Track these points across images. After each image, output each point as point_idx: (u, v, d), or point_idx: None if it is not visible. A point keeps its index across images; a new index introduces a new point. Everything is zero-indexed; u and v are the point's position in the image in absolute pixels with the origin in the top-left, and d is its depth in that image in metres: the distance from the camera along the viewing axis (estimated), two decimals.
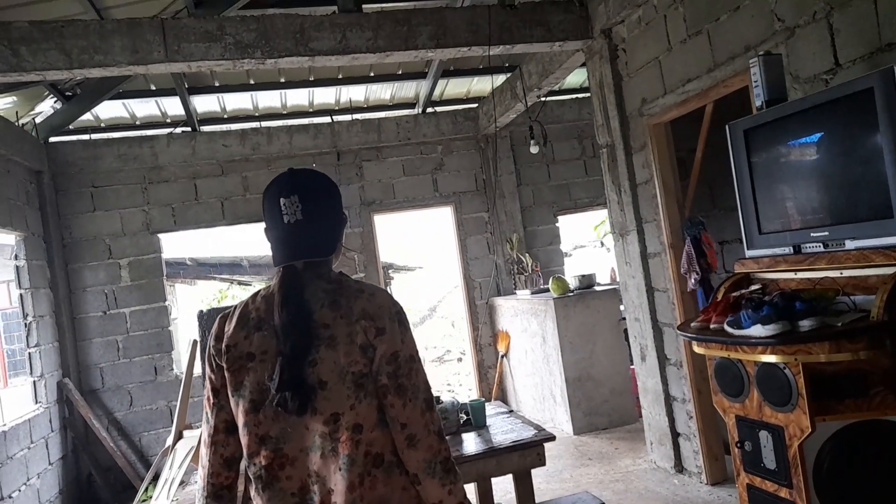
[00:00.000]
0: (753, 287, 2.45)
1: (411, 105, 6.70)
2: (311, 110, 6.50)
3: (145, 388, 5.93)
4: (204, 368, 1.45)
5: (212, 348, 1.40)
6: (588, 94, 4.66)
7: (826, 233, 2.15)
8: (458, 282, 7.10)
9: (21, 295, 5.23)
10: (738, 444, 2.31)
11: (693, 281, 3.69)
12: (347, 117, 6.55)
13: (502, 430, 2.88)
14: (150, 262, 6.05)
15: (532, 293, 5.92)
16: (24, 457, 4.69)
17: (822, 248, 2.17)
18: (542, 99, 6.08)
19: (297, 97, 6.21)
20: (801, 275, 2.28)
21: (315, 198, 1.40)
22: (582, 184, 6.99)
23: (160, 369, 5.98)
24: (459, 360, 10.87)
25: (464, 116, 6.76)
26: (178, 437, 2.57)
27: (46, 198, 5.63)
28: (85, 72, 3.74)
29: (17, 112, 5.30)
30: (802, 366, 1.97)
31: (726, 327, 2.19)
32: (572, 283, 5.59)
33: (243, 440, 1.36)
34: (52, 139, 5.78)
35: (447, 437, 2.83)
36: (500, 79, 6.29)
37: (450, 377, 9.81)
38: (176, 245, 7.01)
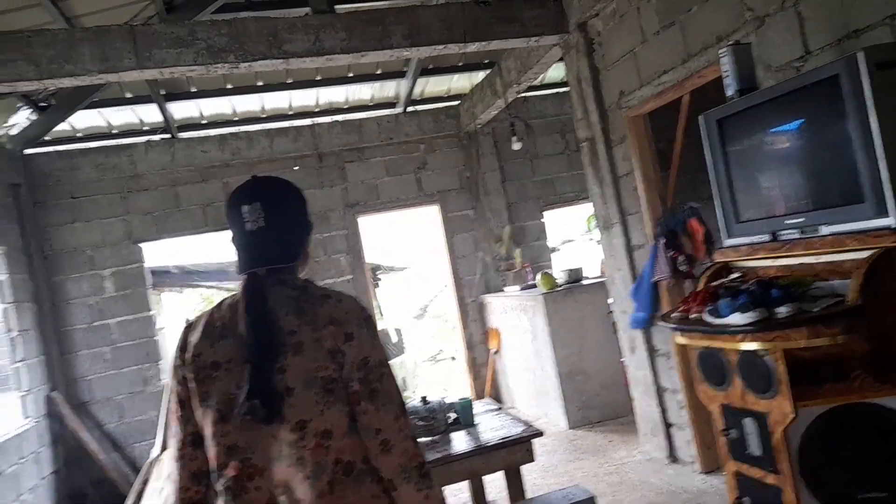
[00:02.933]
0: (733, 275, 2.45)
1: (392, 104, 6.67)
2: (290, 113, 6.46)
3: (135, 399, 5.88)
4: (170, 381, 1.42)
5: (177, 359, 1.38)
6: (569, 88, 4.65)
7: (802, 219, 2.15)
8: (447, 280, 7.09)
9: (5, 309, 5.17)
10: (724, 433, 2.31)
11: (666, 277, 3.70)
12: (328, 119, 6.52)
13: (491, 427, 2.87)
14: (134, 271, 6.00)
15: (521, 289, 5.92)
16: (15, 472, 4.63)
17: (798, 235, 2.17)
18: (523, 94, 6.08)
19: (276, 100, 6.16)
20: (779, 262, 2.29)
21: (278, 204, 1.41)
22: (567, 178, 6.99)
23: (149, 379, 5.93)
24: (453, 359, 10.85)
25: (445, 114, 6.74)
26: (164, 447, 2.54)
27: (24, 211, 5.56)
28: (56, 82, 3.68)
29: None
30: (782, 352, 1.97)
31: (706, 317, 2.19)
32: (560, 277, 5.59)
33: (210, 452, 1.33)
34: (28, 151, 5.71)
35: (436, 438, 2.84)
36: (479, 75, 6.28)
37: (443, 376, 9.79)
38: (161, 253, 6.95)
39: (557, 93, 6.92)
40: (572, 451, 4.80)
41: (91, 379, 5.80)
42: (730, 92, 2.47)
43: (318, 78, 5.84)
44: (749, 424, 2.17)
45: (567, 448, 4.89)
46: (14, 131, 5.51)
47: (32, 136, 5.52)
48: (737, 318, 2.02)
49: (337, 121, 6.49)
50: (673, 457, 4.14)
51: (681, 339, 2.39)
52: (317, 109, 6.50)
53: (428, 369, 10.35)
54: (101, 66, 3.62)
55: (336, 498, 1.29)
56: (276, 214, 1.40)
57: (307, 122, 6.44)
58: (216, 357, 1.33)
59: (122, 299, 5.93)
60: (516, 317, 5.89)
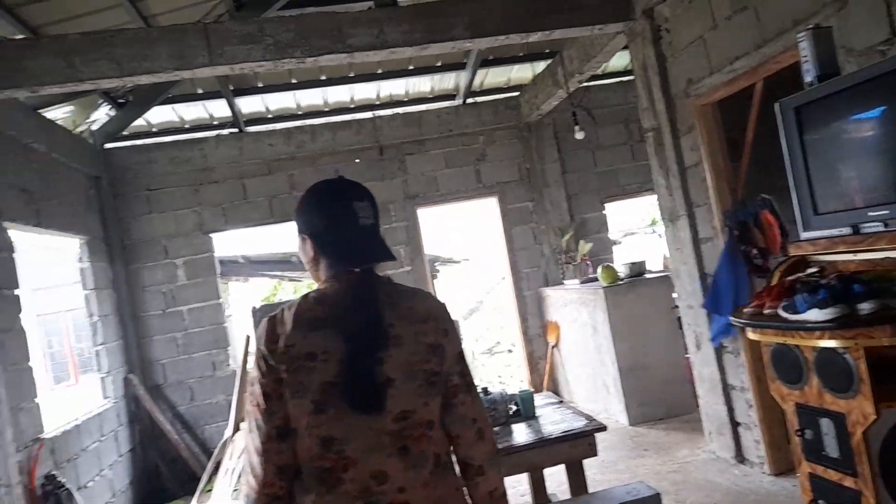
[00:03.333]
0: (811, 270, 2.35)
1: (451, 96, 6.68)
2: (352, 106, 6.56)
3: (204, 383, 6.14)
4: (251, 374, 1.39)
5: (264, 351, 1.34)
6: (633, 77, 4.54)
7: (886, 211, 2.03)
8: (504, 273, 7.07)
9: (86, 296, 5.49)
10: (799, 433, 2.22)
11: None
12: (389, 112, 6.59)
13: (552, 420, 2.85)
14: (204, 261, 6.24)
15: (581, 283, 5.84)
16: (97, 449, 4.93)
17: (882, 228, 2.06)
18: (585, 84, 5.97)
19: (339, 94, 6.27)
20: (861, 256, 2.17)
21: (376, 207, 1.46)
22: (629, 169, 6.83)
23: (218, 364, 6.18)
24: (510, 351, 10.83)
25: (505, 105, 6.70)
26: (236, 429, 2.66)
27: (105, 202, 5.87)
28: (134, 79, 3.86)
29: (74, 121, 5.54)
30: (864, 350, 1.88)
31: (781, 312, 2.11)
32: (622, 271, 5.48)
33: (303, 444, 1.30)
34: (108, 145, 6.02)
35: (496, 429, 2.84)
36: (540, 65, 6.21)
37: (500, 369, 9.79)
38: (228, 244, 7.20)
39: (621, 81, 6.77)
40: (633, 448, 4.72)
41: (165, 363, 6.09)
42: (808, 78, 2.36)
43: (380, 71, 5.91)
44: (826, 425, 2.08)
45: (627, 444, 4.81)
46: (95, 126, 5.82)
47: (112, 131, 5.82)
48: (815, 315, 1.93)
49: (398, 113, 6.55)
50: (740, 457, 4.01)
51: (753, 335, 2.31)
52: (378, 102, 6.59)
53: (485, 361, 10.36)
54: (176, 63, 3.77)
55: (434, 488, 1.33)
56: (378, 215, 1.46)
57: (368, 115, 6.53)
58: (311, 348, 1.31)
59: (193, 287, 6.19)
60: (576, 310, 5.82)
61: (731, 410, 4.02)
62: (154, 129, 6.23)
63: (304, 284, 11.26)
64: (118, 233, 6.00)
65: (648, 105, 4.35)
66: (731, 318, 2.51)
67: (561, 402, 3.20)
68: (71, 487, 4.14)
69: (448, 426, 1.40)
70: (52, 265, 8.30)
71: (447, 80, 6.41)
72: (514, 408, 3.02)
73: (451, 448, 1.42)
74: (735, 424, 4.02)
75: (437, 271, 8.79)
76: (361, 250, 1.40)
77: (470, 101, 6.67)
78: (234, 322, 6.60)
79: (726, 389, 4.03)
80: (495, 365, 10.10)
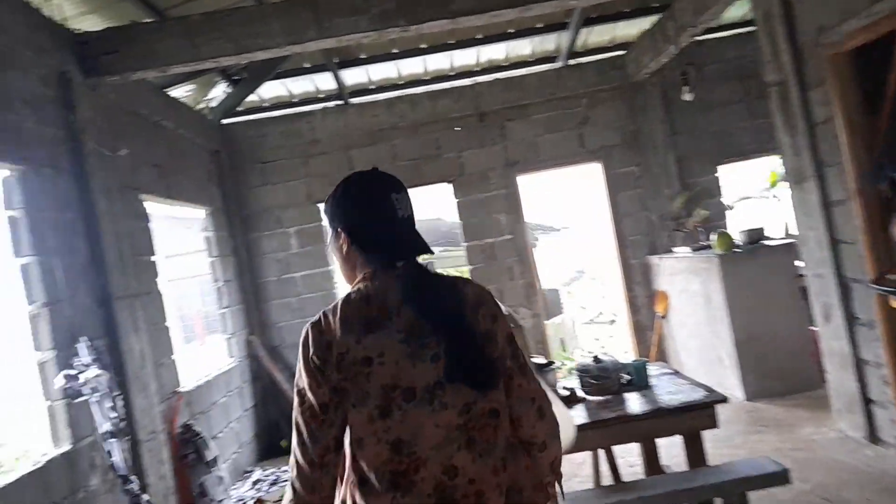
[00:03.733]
0: None
1: (552, 58, 6.49)
2: (452, 73, 6.54)
3: None
4: (299, 385, 1.33)
5: (315, 360, 1.28)
6: (751, 28, 4.20)
7: None
8: (607, 241, 6.87)
9: (211, 262, 5.90)
10: None
11: None
12: (489, 77, 6.51)
13: (668, 390, 2.77)
14: (314, 230, 6.52)
15: (692, 250, 5.57)
16: (226, 403, 5.35)
17: None
18: (698, 38, 5.60)
19: (439, 61, 6.26)
20: None
21: (410, 199, 1.43)
22: (746, 129, 6.37)
23: None
24: (612, 321, 10.60)
25: (609, 65, 6.42)
26: None
27: (224, 175, 6.25)
28: (249, 56, 4.03)
29: (195, 98, 5.90)
30: None
31: None
32: (738, 238, 5.17)
33: (371, 450, 1.27)
34: (225, 121, 6.37)
35: (609, 397, 2.80)
36: (647, 21, 5.88)
37: (603, 339, 9.61)
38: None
39: (737, 34, 6.29)
40: (750, 423, 4.50)
41: (281, 326, 6.46)
42: None
43: (480, 36, 5.83)
44: None
45: (744, 419, 4.59)
46: (213, 103, 6.17)
47: (228, 106, 6.14)
48: None
49: (497, 78, 6.46)
50: (873, 437, 3.72)
51: None
52: (477, 68, 6.52)
53: (586, 331, 10.20)
54: (287, 38, 3.90)
55: (506, 474, 1.33)
56: (413, 207, 1.42)
57: (468, 81, 6.49)
58: (366, 352, 1.26)
59: (304, 255, 6.50)
60: (687, 279, 5.57)
61: (863, 387, 3.73)
62: (266, 104, 6.52)
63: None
64: (237, 203, 6.37)
65: (772, 57, 4.02)
66: (872, 286, 2.30)
67: (676, 372, 3.09)
68: (206, 436, 4.53)
69: (509, 409, 1.38)
70: (178, 235, 9.01)
71: (548, 42, 6.23)
72: (627, 377, 2.95)
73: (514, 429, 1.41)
74: (867, 402, 3.73)
75: (537, 239, 8.69)
76: (404, 243, 1.37)
77: (572, 62, 6.45)
78: (340, 288, 6.88)
79: (858, 364, 3.73)
80: (597, 334, 9.93)
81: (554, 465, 1.46)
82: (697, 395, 2.64)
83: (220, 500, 4.43)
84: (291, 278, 6.48)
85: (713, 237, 5.18)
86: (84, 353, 3.28)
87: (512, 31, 5.84)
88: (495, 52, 6.26)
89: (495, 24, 5.37)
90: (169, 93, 5.29)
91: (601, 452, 3.45)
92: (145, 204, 4.55)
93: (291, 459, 1.33)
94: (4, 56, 3.24)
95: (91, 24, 4.00)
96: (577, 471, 4.01)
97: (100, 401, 3.23)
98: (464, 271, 6.70)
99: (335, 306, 1.32)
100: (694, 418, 2.57)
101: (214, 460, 4.48)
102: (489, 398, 1.31)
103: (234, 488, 4.98)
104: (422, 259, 1.40)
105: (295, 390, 1.32)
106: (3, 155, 3.13)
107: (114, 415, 3.28)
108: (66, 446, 3.25)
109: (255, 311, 6.36)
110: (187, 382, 4.79)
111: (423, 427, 1.26)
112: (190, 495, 4.30)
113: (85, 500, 3.29)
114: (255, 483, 5.07)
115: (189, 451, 4.37)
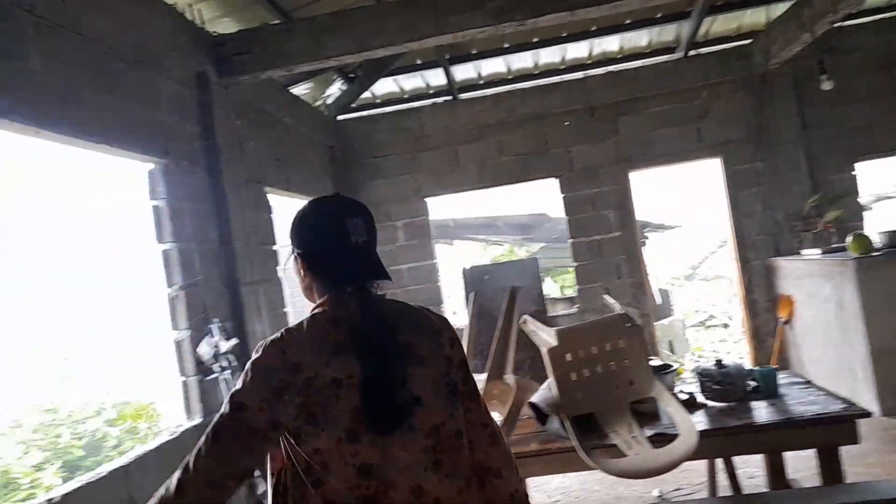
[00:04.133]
0: None
1: (671, 49, 6.21)
2: (562, 67, 6.43)
3: None
4: (239, 398, 1.25)
5: (276, 384, 1.22)
6: None
7: None
8: (723, 240, 6.51)
9: None
10: None
11: None
12: (601, 70, 6.34)
13: (799, 401, 2.58)
14: (420, 223, 6.64)
15: (822, 253, 5.16)
16: None
17: None
18: (837, 24, 5.16)
19: (550, 55, 6.17)
20: None
21: (373, 223, 1.41)
22: (888, 123, 5.81)
23: None
24: (725, 325, 10.04)
25: (734, 55, 6.05)
26: (490, 377, 2.83)
27: (338, 169, 6.50)
28: (369, 53, 4.15)
29: (313, 96, 6.18)
30: None
31: None
32: (877, 240, 4.73)
33: (339, 476, 1.22)
34: (340, 117, 6.62)
35: (732, 404, 2.64)
36: (779, 8, 5.49)
37: (715, 344, 9.12)
38: (437, 207, 7.57)
39: (881, 19, 5.74)
40: (887, 442, 4.11)
41: None
42: None
43: (594, 28, 5.69)
44: None
45: (880, 437, 4.20)
46: (329, 100, 6.43)
47: (343, 103, 6.38)
48: None
49: (611, 71, 6.28)
50: None
51: None
52: (589, 62, 6.37)
53: (696, 334, 9.72)
54: (405, 35, 3.98)
55: (472, 494, 1.35)
56: (374, 233, 1.40)
57: (579, 75, 6.35)
58: (335, 374, 1.23)
59: (410, 248, 6.64)
60: (816, 283, 5.16)
61: None
62: (378, 101, 6.71)
63: (504, 249, 11.50)
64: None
65: None
66: None
67: (808, 382, 2.87)
68: None
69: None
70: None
71: (667, 32, 5.97)
72: (753, 384, 2.78)
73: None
74: None
75: (647, 237, 8.38)
76: (352, 270, 1.35)
77: (692, 53, 6.14)
78: (443, 282, 6.97)
79: None
80: (709, 339, 9.43)
81: (515, 497, 1.44)
82: (835, 406, 2.44)
83: None
84: (398, 270, 6.64)
85: (848, 239, 4.76)
86: (216, 333, 3.53)
87: (629, 22, 5.65)
88: (609, 44, 6.09)
89: (612, 15, 5.22)
90: (291, 90, 5.57)
91: (718, 461, 3.28)
92: (268, 196, 4.82)
93: (186, 463, 1.25)
94: (155, 58, 3.53)
95: (225, 26, 4.29)
96: (679, 479, 3.85)
97: (228, 378, 3.46)
98: (568, 269, 6.58)
99: (301, 325, 1.30)
100: (831, 432, 2.37)
101: None
102: (456, 419, 1.35)
103: None
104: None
105: (230, 399, 1.26)
106: (151, 150, 3.42)
107: None
108: (197, 419, 3.51)
109: None
110: None
111: (391, 450, 1.25)
112: None
113: None
114: None
115: None
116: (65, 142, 2.88)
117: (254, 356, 1.27)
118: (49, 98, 2.73)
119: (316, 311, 1.35)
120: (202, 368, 3.45)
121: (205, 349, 3.45)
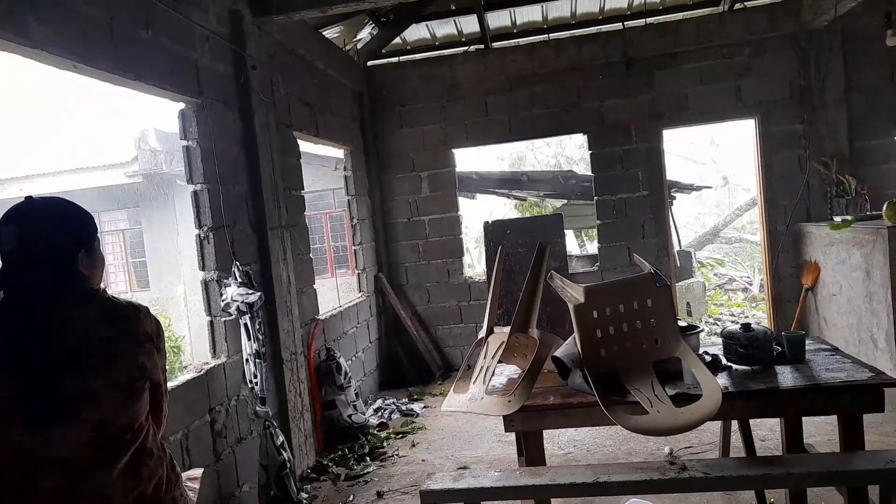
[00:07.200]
0: None
1: (715, 1, 5.97)
2: (600, 17, 6.23)
3: (440, 288, 6.65)
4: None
5: None
6: None
7: None
8: (756, 204, 6.38)
9: (348, 200, 6.17)
10: None
11: None
12: (640, 21, 6.12)
13: (826, 367, 2.57)
14: (446, 175, 6.60)
15: (856, 220, 5.04)
16: (354, 333, 5.68)
17: None
18: None
19: (588, 4, 5.98)
20: None
21: (31, 232, 1.40)
22: None
23: (452, 272, 6.62)
24: (745, 289, 9.96)
25: (781, 10, 5.78)
26: (490, 331, 2.86)
27: (365, 116, 6.44)
28: None
29: (343, 40, 6.06)
30: None
31: None
32: None
33: None
34: (370, 63, 6.51)
35: (756, 368, 2.64)
36: None
37: (732, 307, 9.08)
38: (461, 160, 7.50)
39: None
40: None
41: (407, 266, 6.69)
42: None
43: None
44: None
45: None
46: (360, 45, 6.31)
47: (374, 49, 6.26)
48: None
49: (650, 23, 6.06)
50: None
51: None
52: (629, 12, 6.16)
53: (716, 297, 9.67)
54: None
55: (133, 478, 1.43)
56: (32, 242, 1.40)
57: (618, 25, 6.14)
58: None
59: (434, 200, 6.62)
60: (845, 251, 5.08)
61: None
62: (408, 48, 6.58)
63: (527, 204, 11.42)
64: (375, 145, 6.57)
65: None
66: None
67: (835, 349, 2.86)
68: (341, 360, 4.85)
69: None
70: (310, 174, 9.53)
71: None
72: (778, 348, 2.77)
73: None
74: None
75: (674, 198, 8.26)
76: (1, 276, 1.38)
77: (738, 6, 5.89)
78: (466, 235, 6.96)
79: None
80: (727, 302, 9.38)
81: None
82: (863, 374, 2.43)
83: (349, 416, 4.75)
84: (420, 221, 6.65)
85: (885, 207, 4.64)
86: (239, 276, 3.58)
87: None
88: None
89: None
90: (322, 33, 5.47)
91: (733, 423, 3.30)
92: (298, 140, 4.80)
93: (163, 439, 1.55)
94: None
95: None
96: (691, 438, 3.90)
97: (249, 322, 3.52)
98: (591, 227, 6.51)
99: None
100: (856, 399, 2.37)
101: (349, 380, 4.79)
102: (127, 413, 1.43)
103: (361, 413, 5.32)
104: None
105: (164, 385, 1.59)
106: (184, 88, 3.40)
107: (261, 336, 3.56)
108: (222, 358, 3.60)
109: (384, 250, 6.61)
110: (324, 311, 5.11)
111: (45, 437, 1.33)
112: (321, 412, 4.65)
113: (238, 406, 3.65)
114: (376, 410, 5.38)
115: (324, 372, 4.70)
116: (100, 77, 2.88)
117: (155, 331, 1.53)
118: (88, 32, 2.71)
119: None
120: (229, 309, 3.51)
121: (232, 293, 3.49)
